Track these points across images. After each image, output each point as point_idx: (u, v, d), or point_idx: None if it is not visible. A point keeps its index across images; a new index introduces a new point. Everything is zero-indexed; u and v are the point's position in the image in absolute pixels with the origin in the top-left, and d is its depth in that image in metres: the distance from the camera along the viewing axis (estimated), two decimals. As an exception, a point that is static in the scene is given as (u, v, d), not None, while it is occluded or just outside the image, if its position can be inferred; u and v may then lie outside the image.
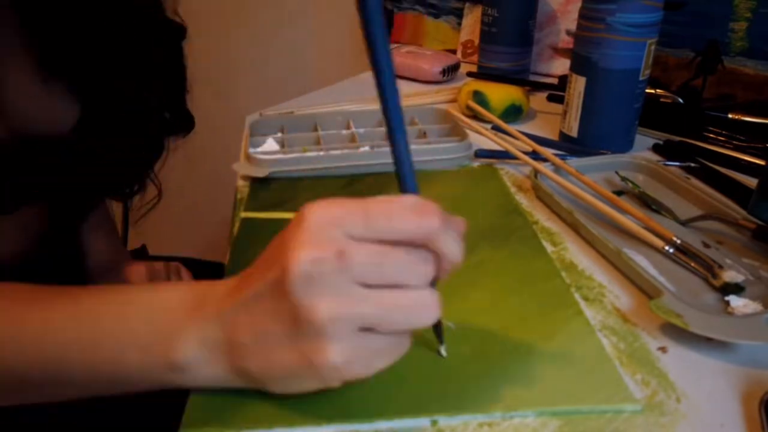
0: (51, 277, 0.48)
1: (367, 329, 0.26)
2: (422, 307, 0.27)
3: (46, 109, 0.42)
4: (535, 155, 0.58)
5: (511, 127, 0.62)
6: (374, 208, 0.26)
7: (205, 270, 0.68)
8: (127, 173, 0.51)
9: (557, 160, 0.55)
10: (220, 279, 0.32)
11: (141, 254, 0.73)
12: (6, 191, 0.40)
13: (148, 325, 0.30)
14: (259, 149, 0.60)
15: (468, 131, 0.63)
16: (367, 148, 0.58)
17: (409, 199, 0.27)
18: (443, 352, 0.34)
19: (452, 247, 0.27)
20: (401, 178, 0.29)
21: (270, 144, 0.61)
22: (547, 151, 0.57)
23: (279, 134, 0.63)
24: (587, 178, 0.52)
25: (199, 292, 0.31)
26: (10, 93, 0.39)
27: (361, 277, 0.26)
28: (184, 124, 0.54)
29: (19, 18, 0.39)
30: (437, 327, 0.33)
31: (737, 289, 0.40)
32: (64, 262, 0.54)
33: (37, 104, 0.41)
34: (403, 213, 0.26)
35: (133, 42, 0.44)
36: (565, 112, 0.65)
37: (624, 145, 0.64)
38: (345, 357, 0.26)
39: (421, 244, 0.27)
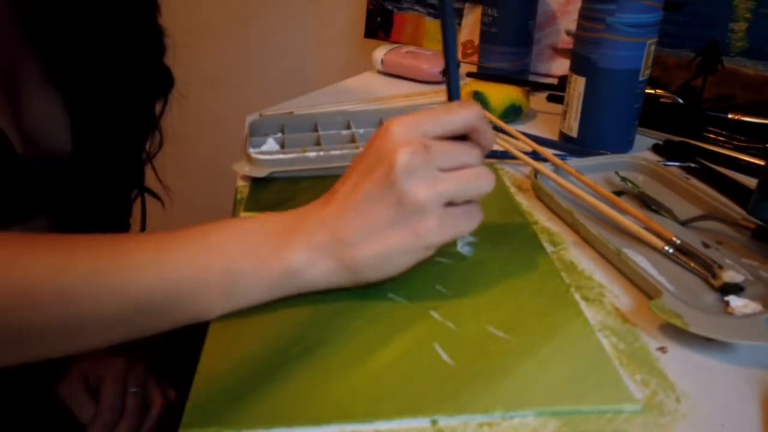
0: None
1: (449, 203, 0.35)
2: (484, 178, 0.35)
3: (50, 124, 0.43)
4: (535, 155, 0.58)
5: (510, 127, 0.62)
6: (435, 111, 0.35)
7: None
8: (122, 173, 0.52)
9: (557, 161, 0.55)
10: None
11: None
12: (18, 201, 0.40)
13: (260, 242, 0.35)
14: (259, 149, 0.60)
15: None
16: (363, 149, 0.58)
17: (456, 102, 0.38)
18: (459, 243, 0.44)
19: (489, 132, 0.36)
20: (450, 89, 0.39)
21: (270, 144, 0.61)
22: (547, 152, 0.57)
23: (279, 134, 0.63)
24: (587, 178, 0.52)
25: (298, 213, 0.36)
26: (24, 109, 0.41)
27: (441, 164, 0.34)
28: (163, 82, 0.56)
29: (25, 36, 0.40)
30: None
31: (737, 289, 0.40)
32: None
33: (44, 119, 0.42)
34: (457, 109, 0.36)
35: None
36: (564, 113, 0.65)
37: (624, 145, 0.64)
38: (440, 226, 0.34)
39: (469, 133, 0.36)
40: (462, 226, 0.36)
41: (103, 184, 0.48)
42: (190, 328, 0.35)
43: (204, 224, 0.36)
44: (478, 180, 0.35)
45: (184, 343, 0.44)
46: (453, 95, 0.39)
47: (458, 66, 0.40)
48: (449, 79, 0.39)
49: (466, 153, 0.35)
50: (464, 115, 0.35)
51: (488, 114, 0.69)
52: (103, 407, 0.52)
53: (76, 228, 0.49)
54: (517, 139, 0.61)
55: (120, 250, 0.33)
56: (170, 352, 0.56)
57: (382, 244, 0.34)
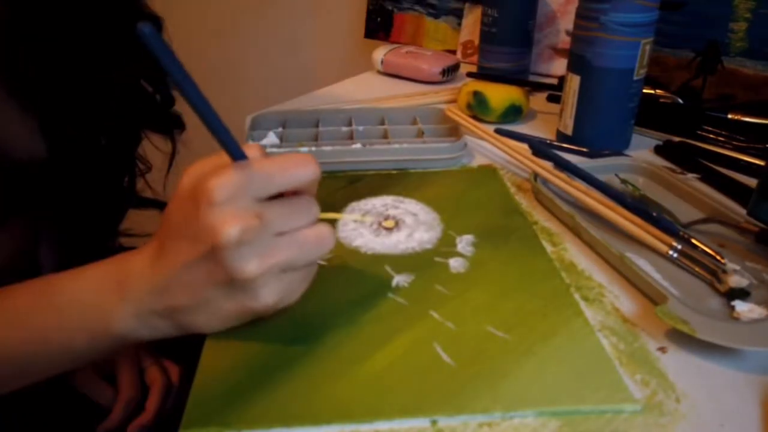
0: None
1: (286, 269, 0.32)
2: (324, 239, 0.33)
3: (21, 134, 0.42)
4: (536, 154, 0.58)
5: (506, 139, 0.62)
6: (265, 168, 0.31)
7: None
8: (104, 181, 0.51)
9: (547, 175, 0.55)
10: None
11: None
12: None
13: (84, 312, 0.34)
14: (258, 143, 0.60)
15: (467, 132, 0.63)
16: (359, 146, 0.58)
17: (281, 156, 0.32)
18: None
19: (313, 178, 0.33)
20: (228, 149, 0.31)
21: (271, 138, 0.61)
22: (545, 164, 0.56)
23: (280, 129, 0.63)
24: (579, 184, 0.52)
25: (121, 267, 0.34)
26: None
27: (276, 230, 0.31)
28: (171, 125, 0.57)
29: None
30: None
31: (743, 293, 0.39)
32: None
33: (14, 128, 0.42)
34: (292, 166, 0.31)
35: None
36: (561, 111, 0.65)
37: (619, 144, 0.64)
38: (276, 298, 0.32)
39: (302, 189, 0.32)
40: (299, 291, 0.34)
41: (86, 190, 0.48)
42: None
43: (25, 292, 0.35)
44: (318, 243, 0.32)
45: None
46: (236, 156, 0.31)
47: (225, 127, 0.30)
48: (221, 141, 0.31)
49: (304, 212, 0.32)
50: (299, 173, 0.31)
51: (484, 128, 0.69)
52: (122, 385, 0.52)
53: (69, 229, 0.50)
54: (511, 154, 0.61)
55: None
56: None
57: (216, 314, 0.33)
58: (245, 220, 0.29)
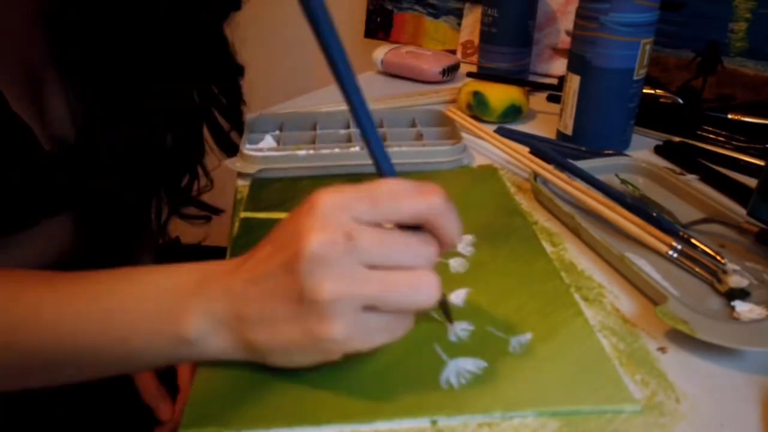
0: None
1: (370, 307, 0.28)
2: (423, 288, 0.28)
3: (62, 117, 0.42)
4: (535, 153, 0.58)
5: (507, 141, 0.62)
6: (380, 190, 0.28)
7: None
8: (139, 178, 0.51)
9: (549, 176, 0.55)
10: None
11: (174, 246, 0.73)
12: (32, 202, 0.41)
13: (157, 304, 0.31)
14: (255, 146, 0.60)
15: (467, 132, 0.63)
16: (358, 148, 0.58)
17: (411, 182, 0.29)
18: (451, 333, 0.35)
19: (454, 227, 0.29)
20: (380, 165, 0.30)
21: (267, 141, 0.61)
22: (545, 164, 0.56)
23: (278, 132, 0.63)
24: (579, 184, 0.52)
25: (205, 270, 0.32)
26: (47, 108, 0.41)
27: (367, 260, 0.27)
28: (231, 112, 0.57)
29: (48, 35, 0.40)
30: (444, 307, 0.35)
31: (743, 294, 0.39)
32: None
33: (60, 113, 0.42)
34: (408, 194, 0.28)
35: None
36: (561, 111, 0.65)
37: (619, 144, 0.64)
38: (346, 333, 0.28)
39: (423, 224, 0.28)
40: (377, 338, 0.29)
41: (121, 182, 0.48)
42: None
43: (107, 275, 0.34)
44: (414, 289, 0.28)
45: None
46: (384, 171, 0.30)
47: (378, 135, 0.31)
48: (372, 152, 0.30)
49: (410, 251, 0.28)
50: (413, 204, 0.28)
51: (484, 128, 0.69)
52: (183, 388, 0.51)
53: (98, 225, 0.49)
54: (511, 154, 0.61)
55: (25, 305, 0.33)
56: None
57: (278, 335, 0.29)
58: (333, 234, 0.27)
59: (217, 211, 0.62)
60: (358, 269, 0.27)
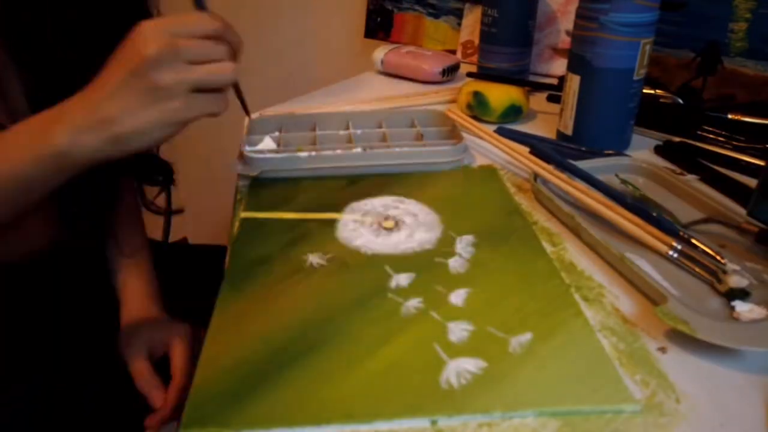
0: (74, 269, 0.60)
1: (197, 90, 0.40)
2: (227, 69, 0.40)
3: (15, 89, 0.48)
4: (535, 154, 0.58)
5: (506, 140, 0.62)
6: (187, 17, 0.40)
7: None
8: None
9: (547, 175, 0.55)
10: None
11: (182, 246, 0.73)
12: None
13: (28, 135, 0.40)
14: (255, 148, 0.60)
15: (467, 132, 0.63)
16: (359, 150, 0.58)
17: (206, 14, 0.42)
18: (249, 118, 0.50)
19: (236, 37, 0.42)
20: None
21: (267, 143, 0.61)
22: (545, 164, 0.56)
23: (277, 133, 0.63)
24: (579, 184, 0.52)
25: (61, 105, 0.40)
26: (11, 101, 0.42)
27: (189, 57, 0.39)
28: None
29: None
30: (239, 95, 0.48)
31: (743, 294, 0.39)
32: (86, 253, 0.61)
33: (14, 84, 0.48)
34: (207, 18, 0.41)
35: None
36: (561, 111, 0.65)
37: (619, 144, 0.64)
38: (186, 104, 0.39)
39: (218, 37, 0.41)
40: (208, 107, 0.41)
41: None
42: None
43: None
44: (220, 70, 0.40)
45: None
46: (198, 4, 0.43)
47: None
48: None
49: (212, 48, 0.40)
50: (211, 23, 0.40)
51: (484, 128, 0.69)
52: (175, 371, 0.54)
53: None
54: (511, 155, 0.61)
55: None
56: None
57: (139, 121, 0.39)
58: (164, 40, 0.38)
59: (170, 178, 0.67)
60: (183, 65, 0.39)
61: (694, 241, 0.44)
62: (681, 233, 0.45)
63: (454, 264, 0.43)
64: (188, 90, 0.39)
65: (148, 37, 0.38)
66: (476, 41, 0.94)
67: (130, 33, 0.39)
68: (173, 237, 0.91)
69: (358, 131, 0.63)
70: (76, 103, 0.40)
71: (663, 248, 0.44)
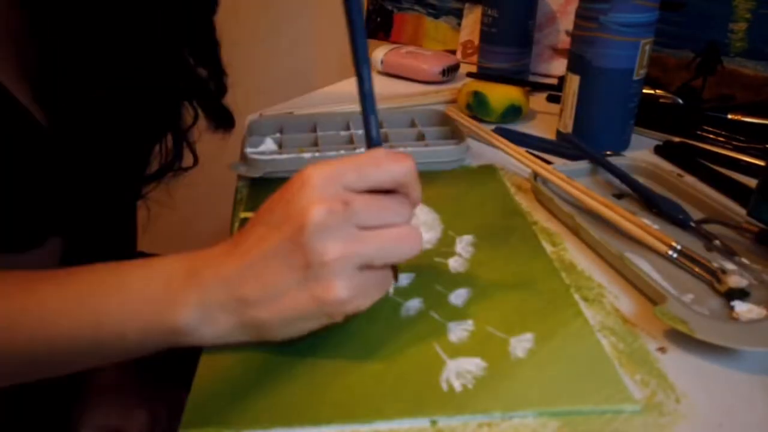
0: None
1: (365, 266, 0.31)
2: (410, 240, 0.32)
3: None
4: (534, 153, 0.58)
5: (506, 140, 0.62)
6: (362, 160, 0.31)
7: None
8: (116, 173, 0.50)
9: (545, 174, 0.55)
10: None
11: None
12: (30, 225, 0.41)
13: (147, 298, 0.32)
14: (257, 149, 0.60)
15: (467, 132, 0.63)
16: (362, 150, 0.58)
17: (386, 150, 0.33)
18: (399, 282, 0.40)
19: (419, 188, 0.33)
20: (370, 133, 0.34)
21: (268, 144, 0.61)
22: (545, 164, 0.56)
23: (278, 135, 0.63)
24: (578, 184, 0.52)
25: (194, 258, 0.33)
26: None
27: (361, 222, 0.31)
28: (221, 121, 0.54)
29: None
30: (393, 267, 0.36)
31: (742, 294, 0.39)
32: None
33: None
34: (387, 161, 0.32)
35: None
36: (561, 111, 0.65)
37: (618, 144, 0.64)
38: (349, 292, 0.30)
39: (398, 187, 0.32)
40: (373, 294, 0.32)
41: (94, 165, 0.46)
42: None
43: (90, 272, 0.33)
44: (403, 241, 0.31)
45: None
46: (373, 140, 0.34)
47: (374, 101, 0.34)
48: (366, 120, 0.34)
49: (393, 210, 0.32)
50: (393, 169, 0.31)
51: (484, 128, 0.69)
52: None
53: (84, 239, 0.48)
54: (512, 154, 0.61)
55: (26, 300, 0.32)
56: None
57: (282, 308, 0.31)
58: (332, 204, 0.30)
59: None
60: (355, 232, 0.30)
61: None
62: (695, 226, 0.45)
63: (454, 264, 0.43)
64: (357, 267, 0.30)
65: (314, 193, 0.30)
66: (476, 41, 0.94)
67: (294, 180, 0.31)
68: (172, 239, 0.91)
69: (359, 131, 0.63)
70: (211, 267, 0.32)
71: (663, 248, 0.44)
